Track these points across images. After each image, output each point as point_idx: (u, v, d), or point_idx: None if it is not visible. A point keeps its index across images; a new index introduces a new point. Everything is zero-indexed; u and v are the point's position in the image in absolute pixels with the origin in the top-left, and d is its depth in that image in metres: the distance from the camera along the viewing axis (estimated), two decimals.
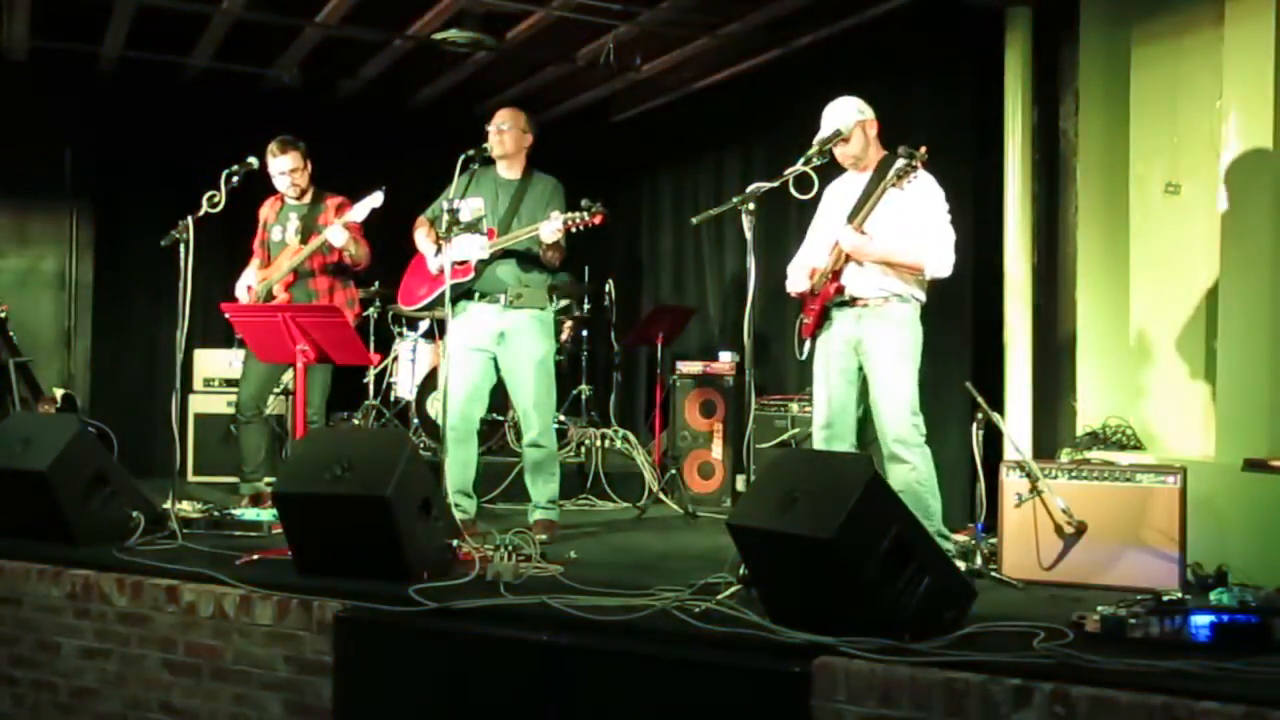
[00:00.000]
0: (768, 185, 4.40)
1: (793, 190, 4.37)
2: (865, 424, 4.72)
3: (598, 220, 4.93)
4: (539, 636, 3.41)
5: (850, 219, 4.49)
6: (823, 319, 4.61)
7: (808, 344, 4.65)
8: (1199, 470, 4.33)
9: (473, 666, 3.52)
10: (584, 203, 4.93)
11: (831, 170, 4.71)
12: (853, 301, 4.51)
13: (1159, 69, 5.18)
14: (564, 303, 7.53)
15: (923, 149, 4.35)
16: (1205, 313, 4.95)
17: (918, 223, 4.43)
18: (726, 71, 7.44)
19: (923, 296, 4.54)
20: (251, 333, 5.03)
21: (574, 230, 4.98)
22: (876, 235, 4.43)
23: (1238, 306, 4.61)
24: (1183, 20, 5.08)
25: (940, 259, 4.43)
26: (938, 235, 4.45)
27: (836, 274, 4.52)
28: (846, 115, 4.54)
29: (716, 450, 6.73)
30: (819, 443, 4.61)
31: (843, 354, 4.55)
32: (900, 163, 4.32)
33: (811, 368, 4.68)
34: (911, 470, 4.39)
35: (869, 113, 4.58)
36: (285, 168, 5.66)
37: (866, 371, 4.51)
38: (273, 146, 5.65)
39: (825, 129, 4.56)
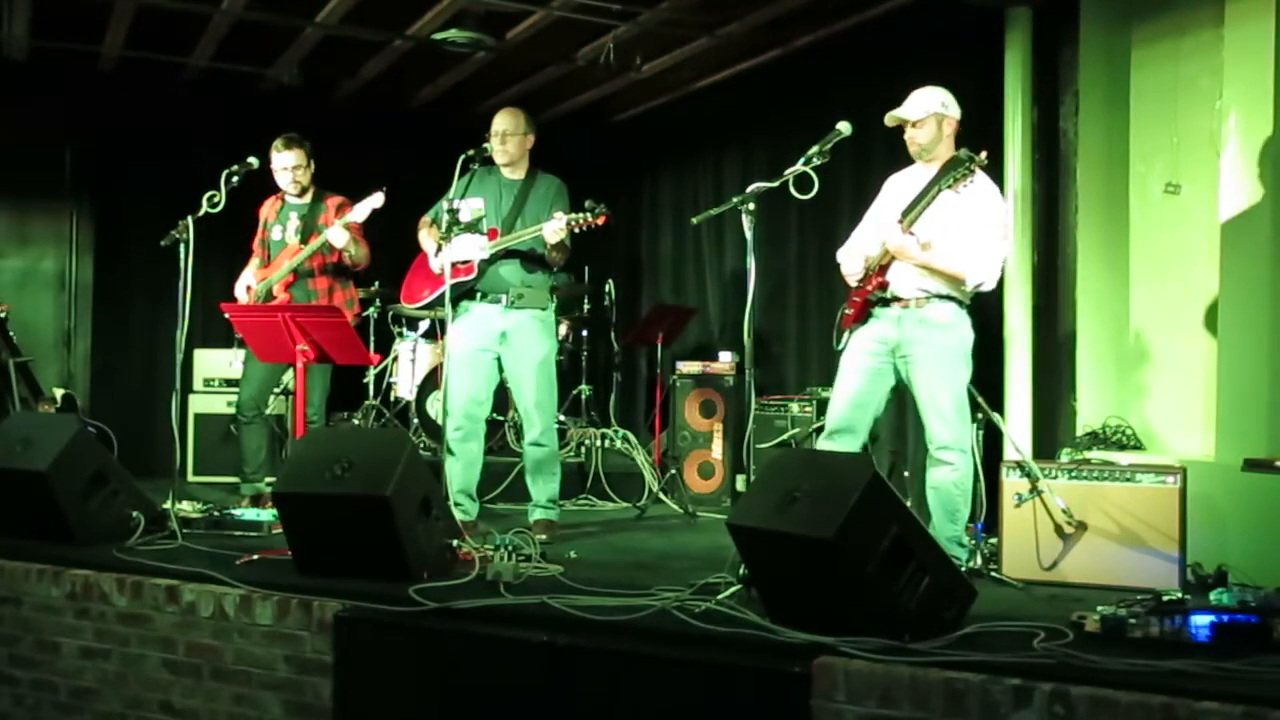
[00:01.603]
0: (768, 185, 4.39)
1: (793, 190, 4.34)
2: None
3: (601, 221, 4.93)
4: (539, 636, 3.41)
5: (903, 217, 4.38)
6: (863, 314, 4.49)
7: (846, 335, 4.54)
8: (1199, 470, 4.33)
9: (473, 666, 3.52)
10: (588, 203, 4.93)
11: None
12: (894, 300, 4.39)
13: (1159, 69, 5.19)
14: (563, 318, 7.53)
15: (983, 153, 4.26)
16: (1205, 313, 4.96)
17: (969, 230, 4.31)
18: (726, 71, 7.44)
19: (965, 298, 4.40)
20: (251, 333, 5.03)
21: (577, 231, 4.98)
22: (924, 239, 4.31)
23: (1238, 306, 4.61)
24: (1183, 20, 5.08)
25: (983, 270, 4.29)
26: (985, 246, 4.30)
27: (882, 269, 4.42)
28: (923, 103, 4.39)
29: (716, 450, 6.73)
30: (825, 439, 4.51)
31: (876, 353, 4.43)
32: (958, 168, 4.22)
33: (835, 363, 4.58)
34: (952, 471, 4.31)
35: (952, 110, 4.42)
36: (288, 164, 5.66)
37: (906, 376, 4.39)
38: (277, 143, 5.65)
39: (904, 109, 4.41)
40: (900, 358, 4.39)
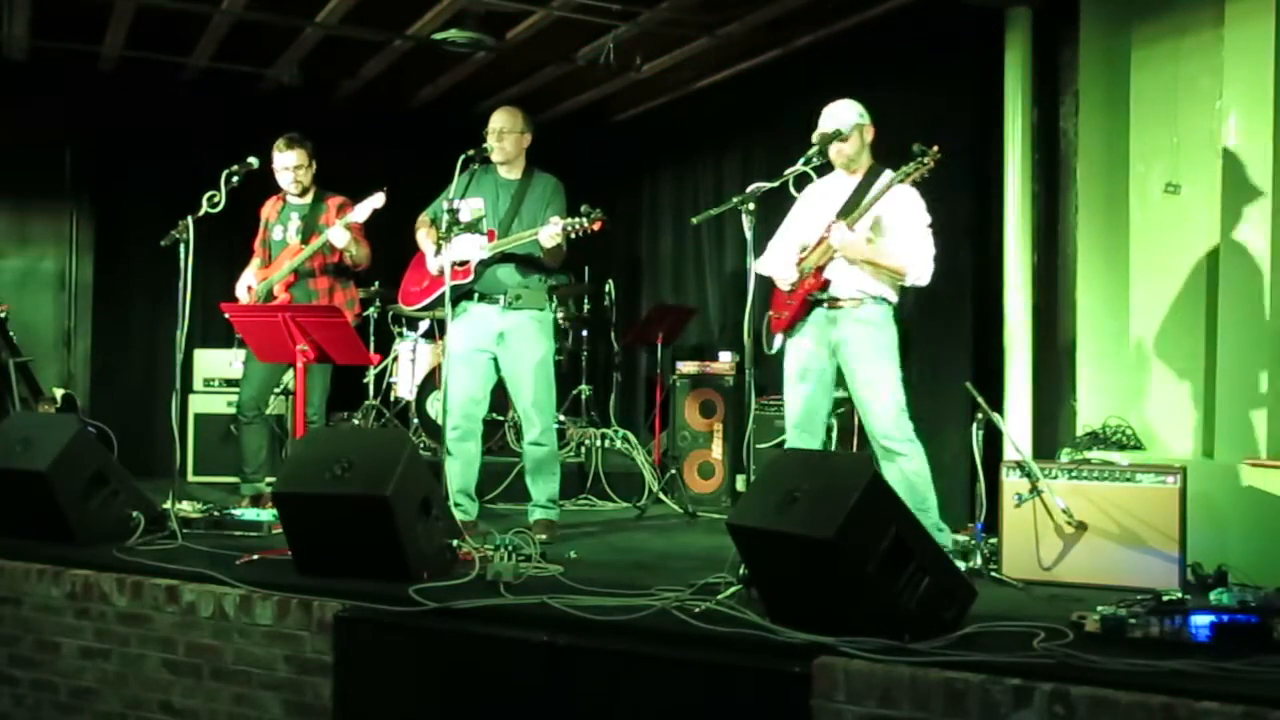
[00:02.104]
0: (768, 185, 4.43)
1: (793, 190, 4.39)
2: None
3: (597, 227, 4.91)
4: (539, 636, 3.41)
5: (840, 217, 4.55)
6: (799, 317, 4.67)
7: (778, 339, 4.71)
8: (1199, 470, 4.33)
9: (473, 666, 3.52)
10: (583, 209, 4.92)
11: (825, 170, 4.77)
12: (831, 302, 4.59)
13: (1159, 69, 5.18)
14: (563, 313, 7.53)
15: (935, 148, 4.42)
16: (1205, 313, 4.95)
17: (903, 229, 4.55)
18: (726, 71, 7.44)
19: (896, 300, 4.64)
20: (251, 333, 5.03)
21: (573, 236, 4.97)
22: (867, 235, 4.51)
23: (1238, 306, 4.61)
24: (1183, 20, 5.08)
25: (922, 267, 4.56)
26: (922, 243, 4.57)
27: (819, 270, 4.59)
28: (848, 116, 4.61)
29: (716, 450, 6.73)
30: (792, 441, 4.72)
31: (816, 355, 4.64)
32: (911, 162, 4.41)
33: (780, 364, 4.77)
34: (907, 461, 4.50)
35: (867, 118, 4.66)
36: (290, 164, 5.66)
37: (848, 372, 4.59)
38: (279, 143, 5.65)
39: (825, 127, 4.61)
40: (840, 357, 4.60)
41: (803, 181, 4.50)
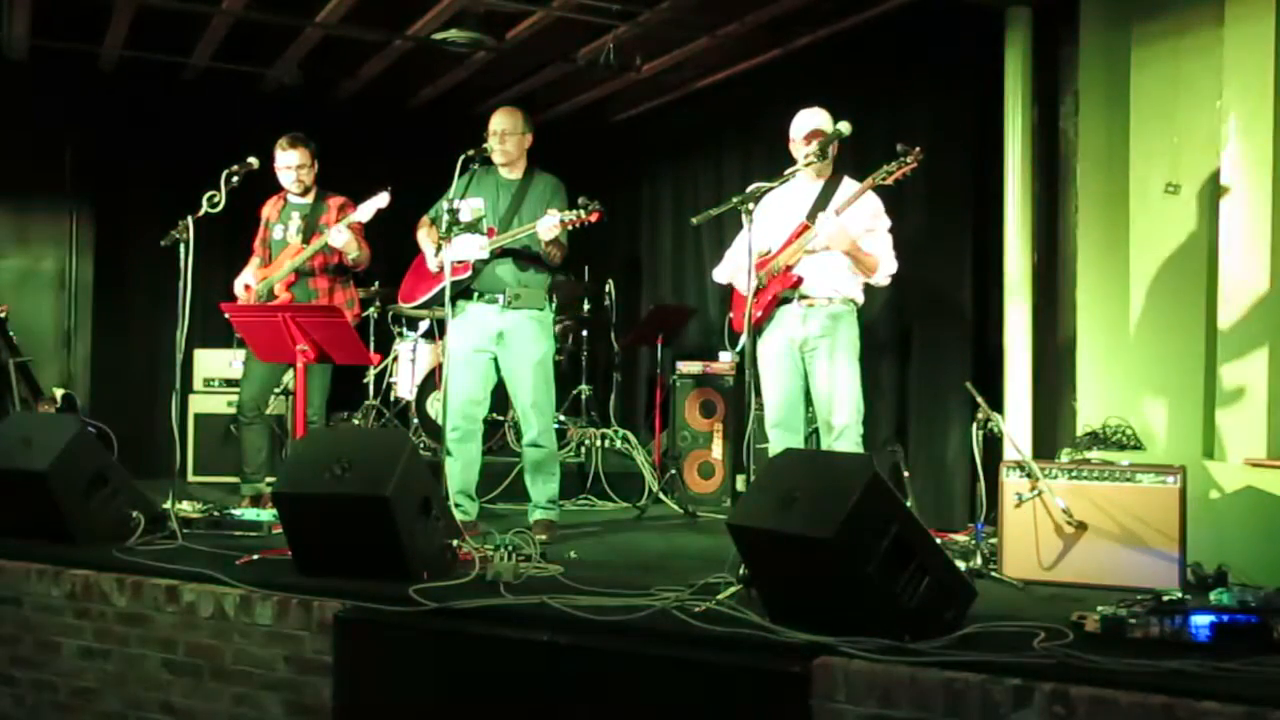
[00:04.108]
0: (768, 185, 4.45)
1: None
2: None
3: (594, 218, 4.93)
4: (539, 636, 3.41)
5: (811, 216, 4.71)
6: (769, 315, 4.80)
7: (742, 339, 4.73)
8: (1199, 470, 4.32)
9: (473, 666, 3.52)
10: (581, 200, 4.94)
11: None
12: (802, 299, 4.74)
13: (1159, 69, 5.18)
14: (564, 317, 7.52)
15: (918, 149, 4.54)
16: (1205, 313, 4.95)
17: (877, 229, 4.79)
18: (726, 71, 7.44)
19: (862, 301, 4.85)
20: (251, 333, 5.03)
21: (571, 228, 4.99)
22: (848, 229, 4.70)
23: (1237, 306, 4.61)
24: (1183, 20, 5.07)
25: (891, 265, 4.77)
26: (888, 242, 4.80)
27: (789, 268, 4.74)
28: (825, 119, 4.80)
29: (716, 450, 6.73)
30: (774, 439, 4.85)
31: (788, 352, 4.81)
32: (892, 162, 4.55)
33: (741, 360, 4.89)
34: (854, 446, 4.73)
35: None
36: (292, 163, 5.66)
37: (814, 366, 4.75)
38: (282, 141, 5.65)
39: (808, 126, 4.78)
40: (808, 351, 4.77)
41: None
